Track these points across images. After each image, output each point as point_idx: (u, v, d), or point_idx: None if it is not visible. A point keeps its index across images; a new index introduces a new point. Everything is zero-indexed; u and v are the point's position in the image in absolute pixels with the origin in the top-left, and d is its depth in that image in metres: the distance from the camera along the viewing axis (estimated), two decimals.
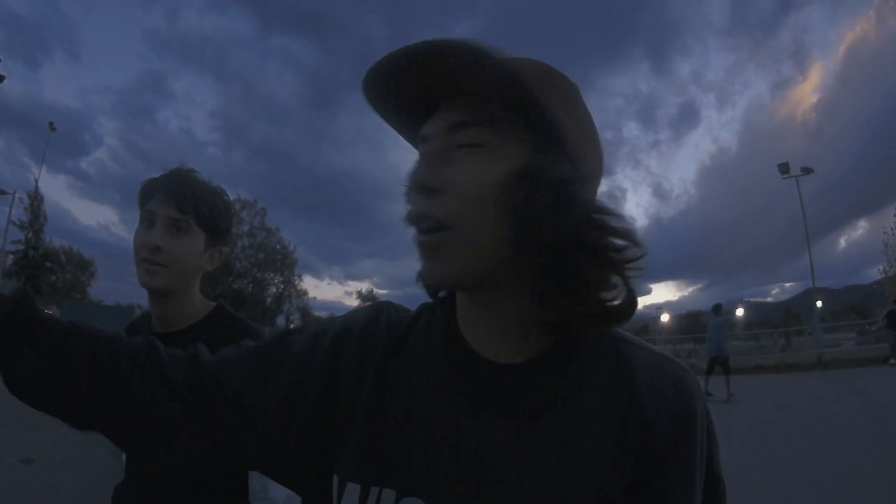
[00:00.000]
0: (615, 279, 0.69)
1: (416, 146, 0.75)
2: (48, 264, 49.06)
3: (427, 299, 0.85)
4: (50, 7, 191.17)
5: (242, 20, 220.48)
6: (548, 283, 0.68)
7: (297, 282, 53.51)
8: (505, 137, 0.67)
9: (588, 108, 0.75)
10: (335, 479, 0.76)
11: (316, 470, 0.78)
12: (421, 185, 0.68)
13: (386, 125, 0.76)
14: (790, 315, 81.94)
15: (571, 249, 0.67)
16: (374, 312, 0.85)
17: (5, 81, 26.34)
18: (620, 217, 0.69)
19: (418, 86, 0.69)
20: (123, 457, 1.46)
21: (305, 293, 54.65)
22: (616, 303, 0.69)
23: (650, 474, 0.69)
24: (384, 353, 0.79)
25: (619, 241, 0.68)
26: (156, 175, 1.44)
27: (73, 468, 6.10)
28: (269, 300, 50.85)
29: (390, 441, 0.74)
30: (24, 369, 0.78)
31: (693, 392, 0.72)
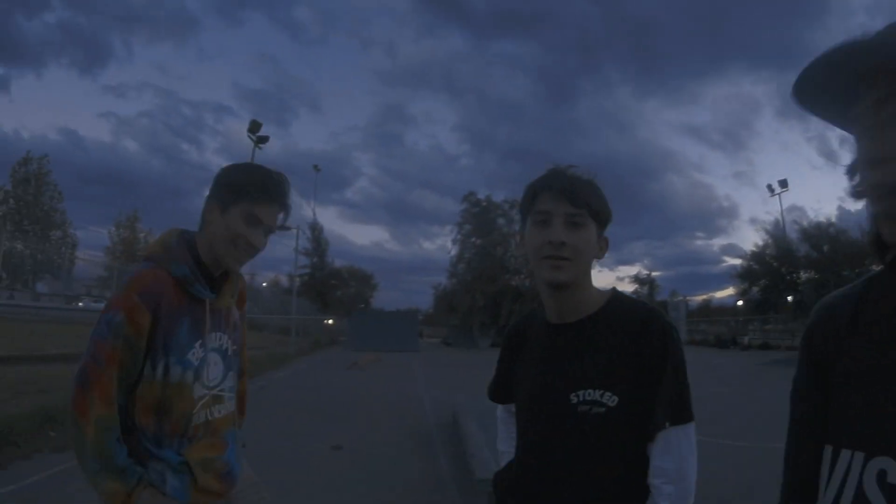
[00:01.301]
0: None
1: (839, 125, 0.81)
2: (333, 282, 55.26)
3: None
4: (280, 76, 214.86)
5: (456, 37, 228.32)
6: None
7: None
8: None
9: None
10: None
11: None
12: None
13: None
14: None
15: None
16: (812, 314, 0.94)
17: (268, 142, 29.95)
18: None
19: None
20: (502, 446, 1.73)
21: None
22: None
23: None
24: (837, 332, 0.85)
25: None
26: (541, 176, 1.52)
27: (376, 454, 6.65)
28: None
29: (850, 401, 0.79)
30: None
31: None
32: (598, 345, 1.42)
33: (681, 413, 1.35)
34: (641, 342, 1.38)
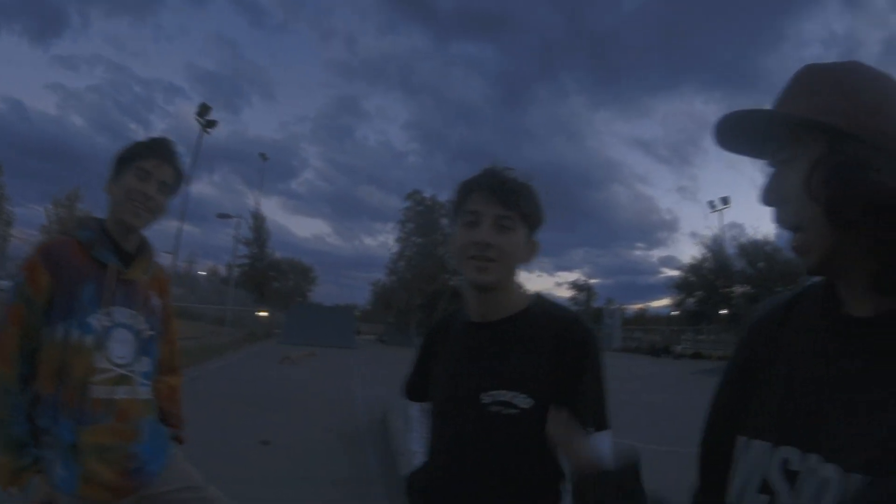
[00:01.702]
0: None
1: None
2: (272, 274, 54.36)
3: None
4: (237, 60, 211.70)
5: (417, 35, 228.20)
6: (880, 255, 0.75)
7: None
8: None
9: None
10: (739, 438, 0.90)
11: None
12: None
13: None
14: None
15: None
16: (748, 321, 1.05)
17: (216, 126, 29.40)
18: None
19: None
20: (415, 446, 1.71)
21: (519, 286, 54.77)
22: None
23: None
24: (768, 335, 0.94)
25: None
26: (473, 175, 1.51)
27: (305, 450, 6.64)
28: None
29: (767, 397, 0.88)
30: None
31: None
32: (516, 346, 1.42)
33: (603, 420, 1.36)
34: (561, 347, 1.38)
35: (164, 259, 28.64)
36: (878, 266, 0.74)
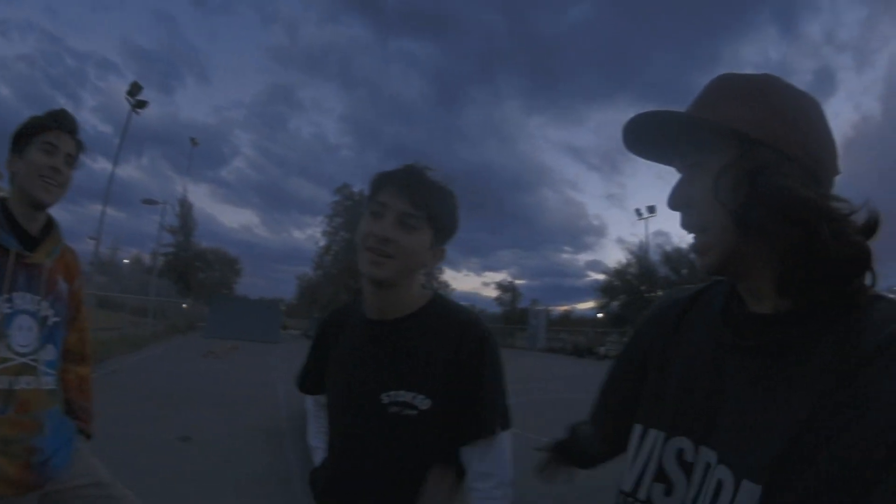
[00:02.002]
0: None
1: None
2: (197, 264, 52.94)
3: None
4: (175, 38, 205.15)
5: (359, 27, 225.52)
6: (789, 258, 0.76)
7: (437, 274, 53.28)
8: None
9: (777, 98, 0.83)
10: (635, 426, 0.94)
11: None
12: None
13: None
14: None
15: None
16: (651, 308, 1.08)
17: (147, 107, 28.32)
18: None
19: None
20: (314, 441, 1.70)
21: (447, 285, 54.31)
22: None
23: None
24: (669, 326, 0.98)
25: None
26: (389, 169, 1.47)
27: (225, 446, 6.57)
28: None
29: (663, 388, 0.91)
30: None
31: None
32: (415, 347, 1.41)
33: (505, 420, 1.37)
34: (459, 348, 1.37)
35: (88, 245, 27.69)
36: (782, 268, 0.76)
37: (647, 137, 0.89)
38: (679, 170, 0.88)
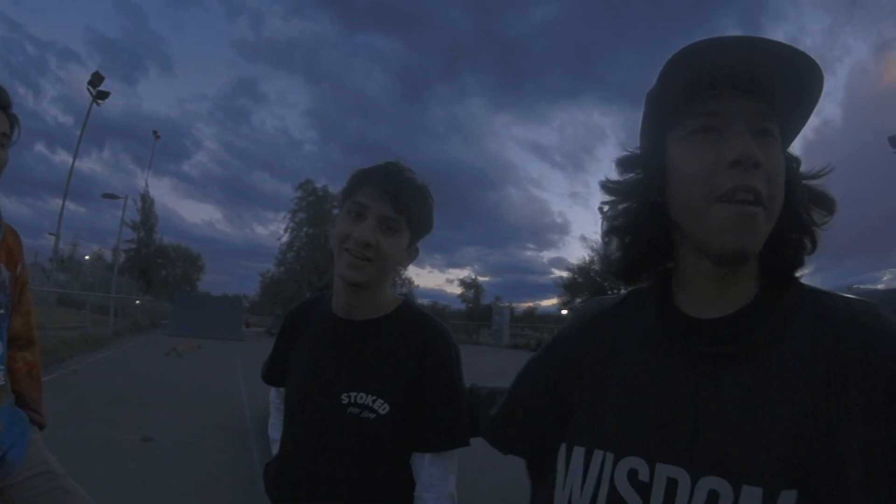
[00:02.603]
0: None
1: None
2: (159, 260, 52.15)
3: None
4: (139, 28, 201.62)
5: (325, 22, 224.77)
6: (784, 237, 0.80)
7: (401, 270, 53.39)
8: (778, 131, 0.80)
9: None
10: (562, 446, 0.90)
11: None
12: (751, 159, 0.74)
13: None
14: None
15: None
16: (576, 314, 1.04)
17: (108, 98, 27.73)
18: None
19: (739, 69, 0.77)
20: (273, 433, 1.73)
21: (410, 281, 53.73)
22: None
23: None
24: (598, 337, 0.94)
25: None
26: (367, 167, 1.45)
27: (188, 446, 6.51)
28: None
29: (604, 407, 0.87)
30: None
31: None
32: (380, 351, 1.40)
33: (464, 437, 1.38)
34: (424, 358, 1.38)
35: (48, 241, 27.09)
36: (782, 256, 0.82)
37: (731, 79, 0.78)
38: (735, 128, 0.78)
